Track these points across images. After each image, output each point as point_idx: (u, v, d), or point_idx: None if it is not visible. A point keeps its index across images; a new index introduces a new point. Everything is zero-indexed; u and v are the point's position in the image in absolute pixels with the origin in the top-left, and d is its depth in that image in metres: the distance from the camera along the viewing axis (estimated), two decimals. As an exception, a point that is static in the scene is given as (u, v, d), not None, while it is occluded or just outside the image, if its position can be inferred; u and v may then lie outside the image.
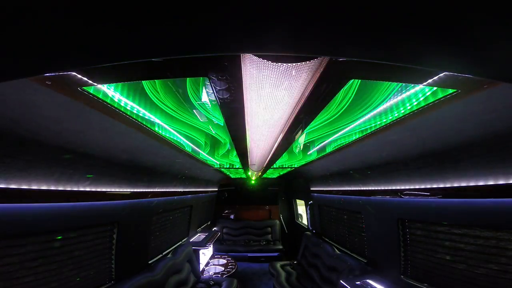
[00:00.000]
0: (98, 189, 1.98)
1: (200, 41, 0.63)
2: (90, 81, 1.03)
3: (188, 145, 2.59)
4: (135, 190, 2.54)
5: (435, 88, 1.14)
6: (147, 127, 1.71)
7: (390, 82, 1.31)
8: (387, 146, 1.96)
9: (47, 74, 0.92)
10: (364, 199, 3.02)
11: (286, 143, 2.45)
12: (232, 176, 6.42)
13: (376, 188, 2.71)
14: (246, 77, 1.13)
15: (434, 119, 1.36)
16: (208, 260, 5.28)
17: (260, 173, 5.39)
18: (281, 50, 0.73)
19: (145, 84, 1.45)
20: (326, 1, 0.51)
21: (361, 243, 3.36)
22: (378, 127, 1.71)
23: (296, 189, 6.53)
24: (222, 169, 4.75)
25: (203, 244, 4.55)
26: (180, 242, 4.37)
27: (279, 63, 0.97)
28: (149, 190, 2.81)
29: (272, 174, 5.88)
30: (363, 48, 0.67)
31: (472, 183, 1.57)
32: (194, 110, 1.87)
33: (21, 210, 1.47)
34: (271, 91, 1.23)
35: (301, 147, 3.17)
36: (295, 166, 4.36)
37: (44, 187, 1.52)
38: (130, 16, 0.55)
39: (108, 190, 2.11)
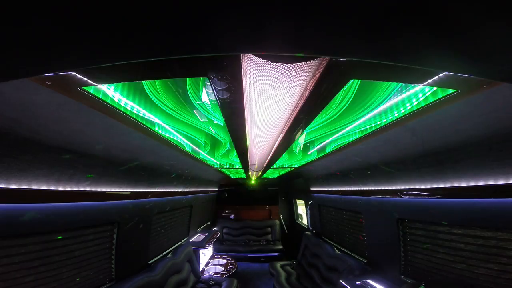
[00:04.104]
0: (98, 189, 1.98)
1: (200, 41, 0.63)
2: (90, 81, 1.03)
3: (188, 145, 2.59)
4: (135, 190, 2.54)
5: (435, 88, 1.14)
6: (147, 127, 1.71)
7: (390, 82, 1.31)
8: (387, 146, 1.96)
9: (47, 74, 0.92)
10: (364, 199, 3.02)
11: (286, 143, 2.45)
12: (232, 176, 6.42)
13: (376, 188, 2.71)
14: (246, 77, 1.13)
15: (434, 119, 1.36)
16: (208, 260, 5.28)
17: (260, 173, 5.39)
18: (281, 50, 0.73)
19: (145, 84, 1.45)
20: (326, 1, 0.51)
21: (361, 243, 3.36)
22: (378, 127, 1.71)
23: (296, 189, 6.53)
24: (222, 169, 4.75)
25: (203, 244, 4.55)
26: (180, 242, 4.37)
27: (279, 63, 0.97)
28: (149, 190, 2.81)
29: (272, 174, 5.88)
30: (363, 48, 0.67)
31: (472, 183, 1.57)
32: (194, 110, 1.87)
33: (21, 210, 1.47)
34: (271, 91, 1.23)
35: (301, 147, 3.18)
36: (295, 166, 4.36)
37: (44, 187, 1.52)
38: (130, 17, 0.55)
39: (108, 190, 2.11)
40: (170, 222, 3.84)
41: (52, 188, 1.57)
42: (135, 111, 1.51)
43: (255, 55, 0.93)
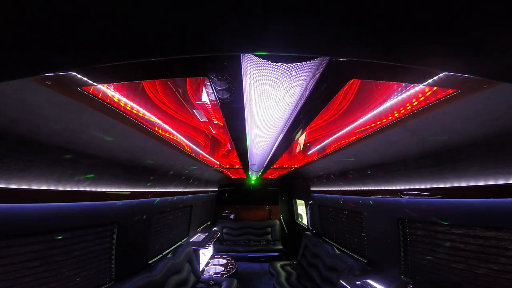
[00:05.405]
0: (98, 189, 1.98)
1: (200, 41, 0.63)
2: (90, 81, 1.03)
3: (188, 145, 2.59)
4: (135, 190, 2.54)
5: (435, 88, 1.14)
6: (147, 127, 1.71)
7: (390, 82, 1.32)
8: (387, 146, 1.96)
9: (47, 74, 0.92)
10: (364, 199, 3.02)
11: (286, 143, 2.45)
12: (232, 176, 6.42)
13: (376, 188, 2.71)
14: (246, 77, 1.13)
15: (434, 119, 1.36)
16: (208, 260, 5.28)
17: (260, 173, 5.39)
18: (281, 50, 0.73)
19: (145, 84, 1.45)
20: (326, 1, 0.51)
21: (361, 243, 3.36)
22: (378, 127, 1.71)
23: (296, 189, 6.53)
24: (222, 169, 4.75)
25: (203, 244, 4.55)
26: (180, 242, 4.37)
27: (279, 63, 0.97)
28: (149, 190, 2.81)
29: (272, 174, 5.88)
30: (363, 48, 0.67)
31: (472, 183, 1.57)
32: (194, 110, 1.87)
33: (21, 210, 1.47)
34: (271, 91, 1.23)
35: (301, 147, 3.18)
36: (295, 166, 4.36)
37: (44, 187, 1.52)
38: (130, 17, 0.55)
39: (108, 190, 2.11)
40: (170, 222, 3.84)
41: (52, 188, 1.57)
42: (135, 111, 1.51)
43: (255, 55, 0.93)
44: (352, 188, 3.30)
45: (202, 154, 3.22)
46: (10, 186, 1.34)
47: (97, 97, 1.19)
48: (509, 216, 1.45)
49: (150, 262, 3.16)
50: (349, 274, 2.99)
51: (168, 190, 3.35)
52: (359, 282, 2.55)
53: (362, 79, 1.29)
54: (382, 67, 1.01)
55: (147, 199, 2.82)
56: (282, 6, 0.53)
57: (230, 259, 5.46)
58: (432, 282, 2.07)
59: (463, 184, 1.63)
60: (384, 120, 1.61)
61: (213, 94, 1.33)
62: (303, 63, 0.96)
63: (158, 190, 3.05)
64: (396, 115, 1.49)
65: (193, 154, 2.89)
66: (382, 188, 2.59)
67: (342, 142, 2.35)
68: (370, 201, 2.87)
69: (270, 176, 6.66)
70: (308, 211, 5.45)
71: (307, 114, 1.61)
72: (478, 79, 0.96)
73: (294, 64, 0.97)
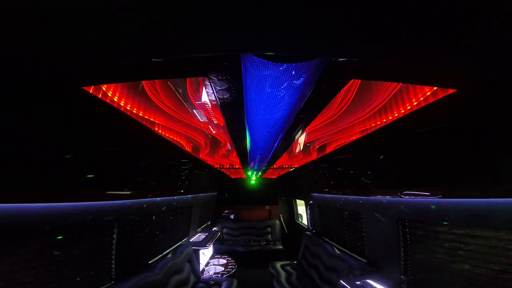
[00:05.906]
0: (98, 189, 1.98)
1: (200, 41, 0.64)
2: (90, 81, 1.03)
3: (188, 145, 2.59)
4: (135, 190, 2.54)
5: (435, 88, 1.14)
6: (147, 127, 1.71)
7: (390, 82, 1.32)
8: (387, 146, 1.96)
9: (47, 75, 0.92)
10: (364, 199, 3.02)
11: (286, 143, 2.46)
12: (232, 176, 6.43)
13: (376, 188, 2.71)
14: (246, 77, 1.13)
15: (434, 119, 1.36)
16: (208, 260, 5.28)
17: (260, 173, 5.39)
18: (281, 50, 0.73)
19: (145, 84, 1.45)
20: (327, 2, 0.51)
21: (361, 243, 3.36)
22: (378, 127, 1.71)
23: (296, 189, 6.53)
24: (222, 169, 4.75)
25: (203, 244, 4.55)
26: (180, 242, 4.37)
27: (279, 63, 0.97)
28: (149, 190, 2.81)
29: (272, 174, 5.88)
30: (363, 48, 0.67)
31: (472, 183, 1.57)
32: (194, 110, 1.88)
33: (21, 210, 1.47)
34: (271, 91, 1.23)
35: (301, 147, 3.18)
36: (295, 166, 4.37)
37: (43, 187, 1.52)
38: (130, 17, 0.55)
39: (108, 190, 2.11)
40: (170, 222, 3.84)
41: (52, 188, 1.57)
42: (135, 111, 1.51)
43: (255, 55, 0.93)
44: (352, 188, 3.30)
45: (202, 154, 3.22)
46: (10, 186, 1.34)
47: (97, 97, 1.19)
48: (509, 216, 1.45)
49: (150, 262, 3.16)
50: (349, 274, 2.99)
51: (168, 190, 3.35)
52: (359, 282, 2.55)
53: (362, 79, 1.29)
54: (382, 67, 1.01)
55: (147, 199, 2.82)
56: (282, 7, 0.53)
57: (230, 259, 5.46)
58: (428, 281, 2.07)
59: (463, 184, 1.63)
60: (384, 120, 1.61)
61: (213, 94, 1.33)
62: (303, 63, 0.96)
63: (158, 190, 3.05)
64: (396, 115, 1.49)
65: (193, 154, 2.89)
66: (382, 188, 2.59)
67: (342, 142, 2.35)
68: (370, 201, 2.88)
69: (270, 176, 6.67)
70: (308, 211, 5.46)
71: (307, 114, 1.61)
72: (478, 79, 0.96)
73: (294, 64, 0.97)
